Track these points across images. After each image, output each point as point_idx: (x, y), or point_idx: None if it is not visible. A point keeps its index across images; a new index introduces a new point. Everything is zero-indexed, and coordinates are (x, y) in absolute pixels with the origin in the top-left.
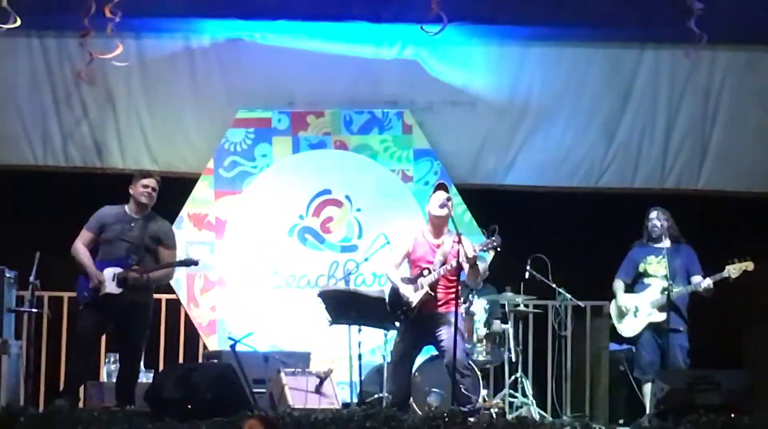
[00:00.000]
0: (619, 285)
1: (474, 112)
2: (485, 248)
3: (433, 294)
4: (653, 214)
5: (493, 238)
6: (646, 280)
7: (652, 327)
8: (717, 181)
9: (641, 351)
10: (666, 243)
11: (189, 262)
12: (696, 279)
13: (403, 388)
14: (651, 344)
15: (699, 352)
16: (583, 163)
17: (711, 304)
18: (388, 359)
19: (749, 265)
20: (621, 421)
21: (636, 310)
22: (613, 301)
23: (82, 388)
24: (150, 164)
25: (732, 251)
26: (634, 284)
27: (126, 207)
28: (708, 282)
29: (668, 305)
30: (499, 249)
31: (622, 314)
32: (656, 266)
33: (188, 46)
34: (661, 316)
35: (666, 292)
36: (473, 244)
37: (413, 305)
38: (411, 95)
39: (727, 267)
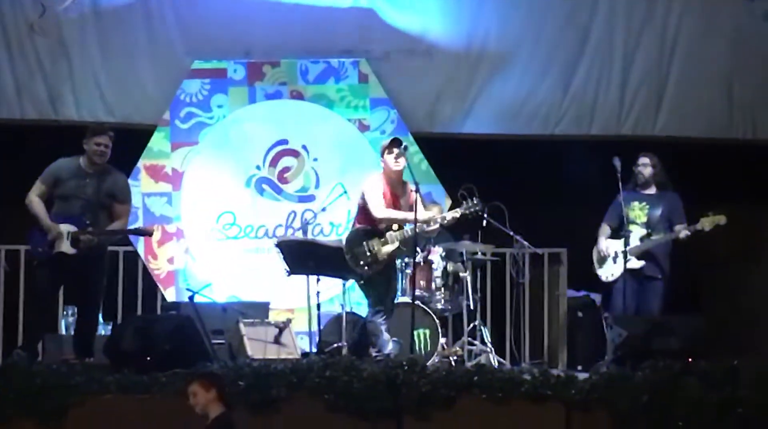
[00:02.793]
0: (604, 230)
1: (430, 60)
2: (467, 212)
3: (404, 249)
4: (641, 160)
5: (476, 202)
6: (630, 227)
7: (630, 273)
8: (673, 126)
9: (616, 296)
10: (652, 190)
11: (142, 232)
12: (678, 228)
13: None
14: (627, 290)
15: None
16: (539, 111)
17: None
18: (347, 309)
19: (722, 219)
20: (579, 367)
21: (615, 256)
22: (595, 246)
23: (40, 342)
24: (105, 116)
25: (688, 198)
26: (620, 229)
27: (81, 160)
28: (685, 232)
29: (642, 252)
30: (480, 213)
31: (602, 259)
32: (638, 212)
33: None
34: (640, 264)
35: (645, 240)
36: (454, 210)
37: (382, 256)
38: (367, 44)
39: (702, 219)
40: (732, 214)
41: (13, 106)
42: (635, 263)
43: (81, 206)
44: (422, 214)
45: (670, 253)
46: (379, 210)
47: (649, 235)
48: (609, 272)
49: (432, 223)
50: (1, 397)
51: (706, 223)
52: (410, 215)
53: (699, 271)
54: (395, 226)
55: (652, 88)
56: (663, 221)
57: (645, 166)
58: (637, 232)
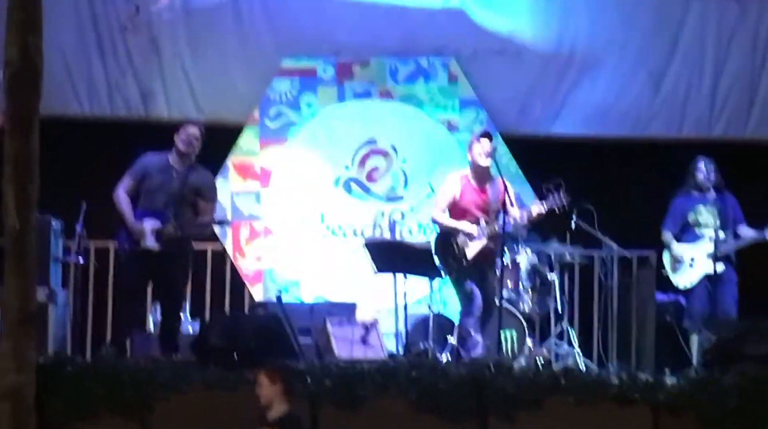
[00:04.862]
0: (669, 236)
1: (520, 60)
2: (553, 206)
3: (492, 246)
4: (701, 164)
5: (562, 196)
6: (697, 231)
7: (707, 278)
8: (765, 129)
9: (694, 302)
10: (711, 193)
11: (222, 222)
12: (743, 230)
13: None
14: (704, 295)
15: (748, 301)
16: (629, 112)
17: (757, 250)
18: (435, 310)
19: None
20: (667, 371)
21: (692, 261)
22: (665, 252)
23: (128, 338)
24: (195, 114)
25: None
26: (682, 234)
27: (169, 156)
28: (754, 235)
29: (722, 256)
30: (566, 207)
31: (677, 265)
32: (707, 216)
33: None
34: (720, 267)
35: (720, 242)
36: (540, 203)
37: (471, 255)
38: (456, 44)
39: None
40: None
41: (104, 103)
42: (712, 267)
43: (165, 201)
44: (513, 211)
45: (736, 255)
46: (435, 211)
47: (722, 236)
48: (686, 278)
49: (518, 220)
50: (89, 392)
51: None
52: (461, 225)
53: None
54: (482, 223)
55: (743, 90)
56: (730, 223)
57: (707, 170)
58: (710, 236)
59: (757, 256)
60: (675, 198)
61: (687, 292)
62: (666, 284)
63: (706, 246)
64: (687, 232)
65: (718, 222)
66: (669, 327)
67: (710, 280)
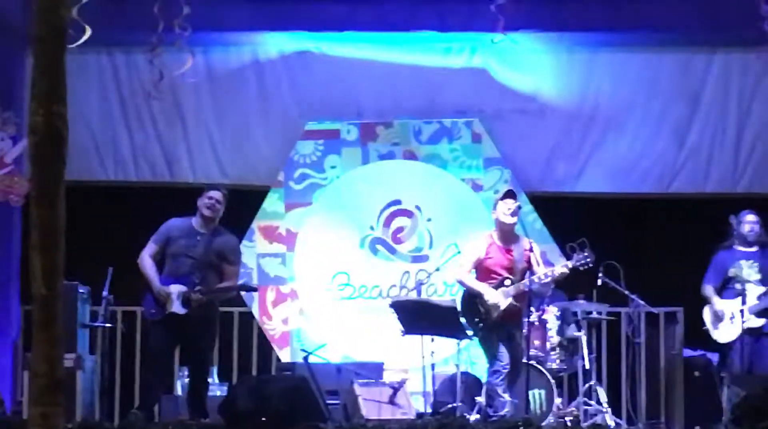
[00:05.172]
0: (711, 291)
1: (543, 119)
2: (578, 265)
3: (518, 305)
4: (751, 218)
5: (586, 255)
6: (737, 286)
7: (748, 332)
8: None
9: (734, 357)
10: (754, 247)
11: (248, 288)
12: None
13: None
14: (744, 349)
15: None
16: (653, 169)
17: None
18: (462, 369)
19: None
20: (697, 428)
21: (732, 316)
22: (707, 307)
23: (156, 402)
24: (220, 177)
25: None
26: (722, 289)
27: (193, 220)
28: None
29: (762, 311)
30: (591, 265)
31: (718, 320)
32: (748, 271)
33: (256, 59)
34: (759, 322)
35: (763, 297)
36: (565, 262)
37: (497, 314)
38: (480, 103)
39: None
40: None
41: (129, 168)
42: (755, 322)
43: (191, 265)
44: (539, 269)
45: None
46: (461, 272)
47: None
48: (726, 333)
49: (543, 279)
50: None
51: None
52: (483, 287)
53: None
54: (507, 282)
55: (767, 145)
56: None
57: (755, 224)
58: (753, 291)
59: None
60: (717, 252)
61: (724, 347)
62: (700, 340)
63: (747, 301)
64: (728, 288)
65: (759, 277)
66: (699, 383)
67: (749, 333)
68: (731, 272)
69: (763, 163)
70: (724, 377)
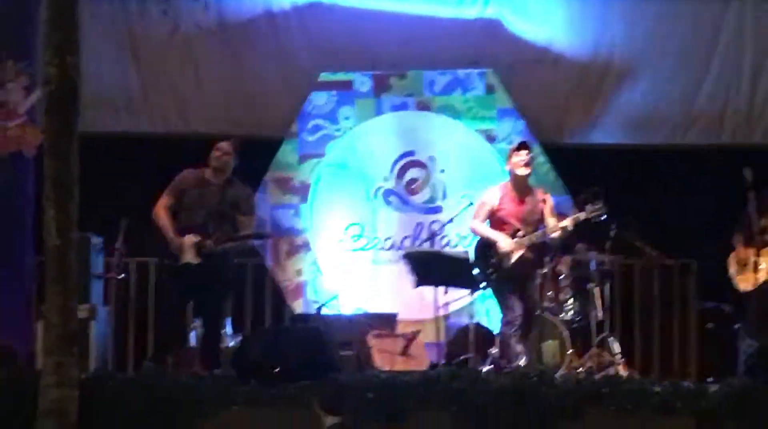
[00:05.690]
0: (739, 238)
1: (557, 70)
2: (591, 216)
3: (531, 256)
4: None
5: (599, 206)
6: (767, 236)
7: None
8: None
9: (751, 306)
10: None
11: (261, 235)
12: None
13: None
14: (764, 300)
15: None
16: (668, 120)
17: None
18: (475, 319)
19: None
20: (710, 379)
21: (755, 264)
22: (732, 254)
23: (170, 353)
24: (233, 128)
25: None
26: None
27: (206, 171)
28: None
29: None
30: (604, 217)
31: (741, 269)
32: None
33: (269, 9)
34: None
35: None
36: (578, 212)
37: (509, 263)
38: (493, 55)
39: None
40: None
41: (142, 120)
42: None
43: (204, 216)
44: (552, 221)
45: None
46: (474, 221)
47: None
48: (749, 281)
49: (555, 230)
50: (131, 408)
51: None
52: (496, 235)
53: None
54: (520, 233)
55: None
56: None
57: None
58: None
59: None
60: (747, 204)
61: (742, 297)
62: (714, 291)
63: None
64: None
65: None
66: (712, 334)
67: None
68: (763, 222)
69: None
70: (739, 328)
